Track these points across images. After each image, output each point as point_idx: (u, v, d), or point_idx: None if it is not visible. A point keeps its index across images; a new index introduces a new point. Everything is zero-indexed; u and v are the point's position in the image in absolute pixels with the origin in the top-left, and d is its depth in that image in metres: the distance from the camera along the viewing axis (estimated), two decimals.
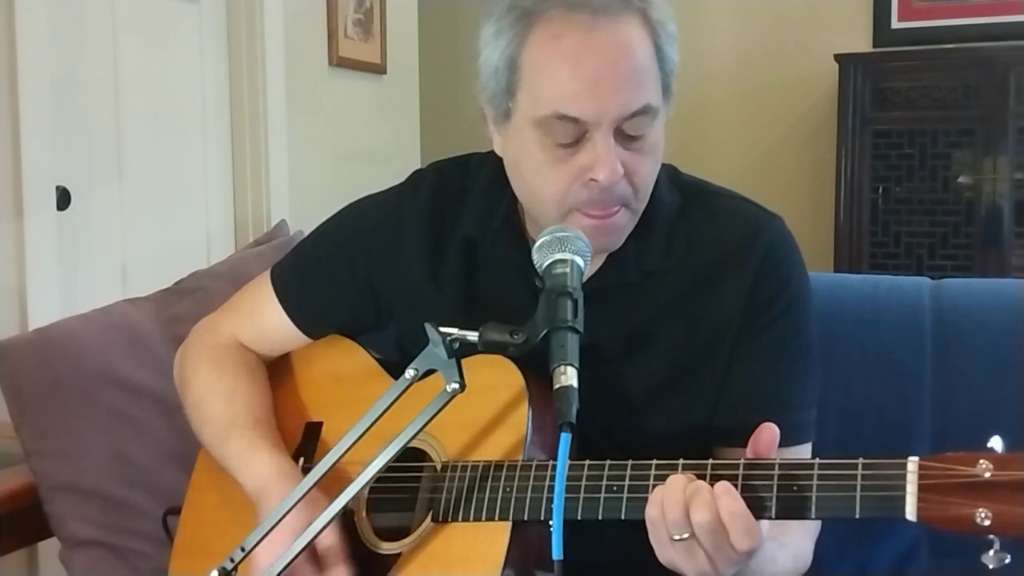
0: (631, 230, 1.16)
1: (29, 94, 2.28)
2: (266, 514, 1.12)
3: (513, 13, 1.09)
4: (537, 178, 1.12)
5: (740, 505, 0.91)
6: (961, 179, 3.40)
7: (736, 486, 0.92)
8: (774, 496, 0.93)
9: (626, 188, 1.10)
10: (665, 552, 0.96)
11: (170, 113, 2.86)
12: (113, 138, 2.66)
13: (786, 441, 0.99)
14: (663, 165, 1.22)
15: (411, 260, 1.25)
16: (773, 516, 0.93)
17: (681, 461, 0.98)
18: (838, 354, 1.43)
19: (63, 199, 2.43)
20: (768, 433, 0.96)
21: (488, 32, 1.12)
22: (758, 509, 0.92)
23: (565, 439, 0.91)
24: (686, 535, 0.92)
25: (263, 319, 1.34)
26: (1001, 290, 1.49)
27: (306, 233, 1.41)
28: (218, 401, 1.28)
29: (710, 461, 0.97)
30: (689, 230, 1.19)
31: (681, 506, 0.92)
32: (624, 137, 1.08)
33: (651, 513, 0.95)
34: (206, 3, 2.97)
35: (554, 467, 0.93)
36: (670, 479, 0.95)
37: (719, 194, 1.24)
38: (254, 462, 1.20)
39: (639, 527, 0.98)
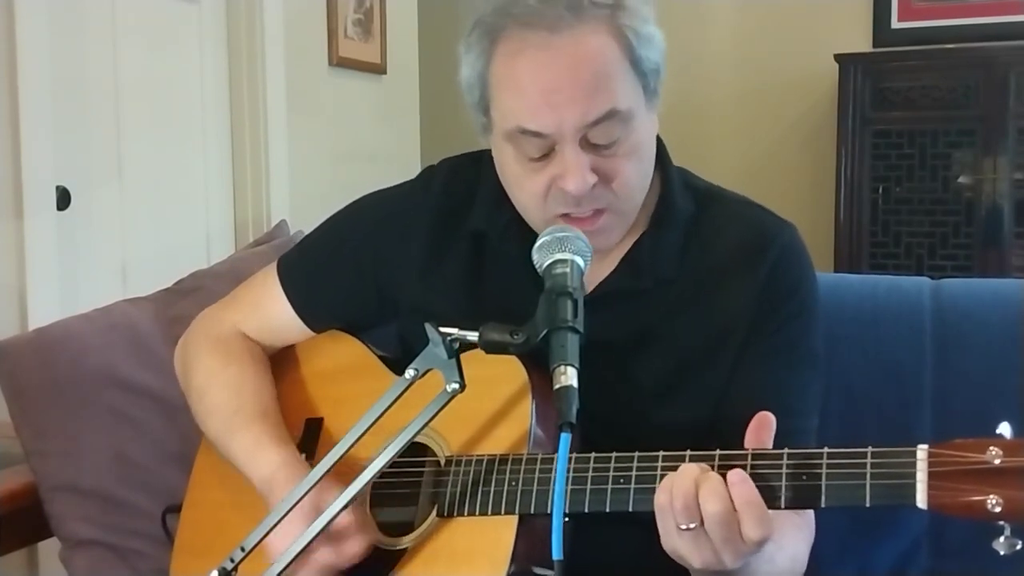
0: (627, 227, 1.16)
1: (29, 94, 2.28)
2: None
3: (479, 30, 1.12)
4: (517, 187, 1.15)
5: (755, 494, 0.91)
6: (961, 179, 3.41)
7: None
8: (783, 485, 0.93)
9: (605, 192, 1.10)
10: (671, 541, 0.95)
11: (170, 113, 2.86)
12: (113, 138, 2.66)
13: (786, 447, 0.98)
14: (677, 168, 1.23)
15: (418, 255, 1.25)
16: (783, 506, 0.93)
17: (688, 452, 0.98)
18: (838, 354, 1.42)
19: (63, 199, 2.43)
20: (765, 420, 0.96)
21: (462, 48, 1.14)
22: (768, 499, 0.92)
23: (565, 439, 0.91)
24: (694, 525, 0.92)
25: (268, 312, 1.34)
26: (1001, 290, 1.49)
27: (306, 232, 1.41)
28: (224, 391, 1.27)
29: (717, 452, 0.96)
30: (703, 236, 1.19)
31: (691, 495, 0.92)
32: (595, 145, 1.08)
33: (660, 500, 0.94)
34: (206, 3, 2.97)
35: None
36: (682, 467, 0.95)
37: (733, 200, 1.24)
38: (261, 456, 1.19)
39: (645, 527, 0.97)
